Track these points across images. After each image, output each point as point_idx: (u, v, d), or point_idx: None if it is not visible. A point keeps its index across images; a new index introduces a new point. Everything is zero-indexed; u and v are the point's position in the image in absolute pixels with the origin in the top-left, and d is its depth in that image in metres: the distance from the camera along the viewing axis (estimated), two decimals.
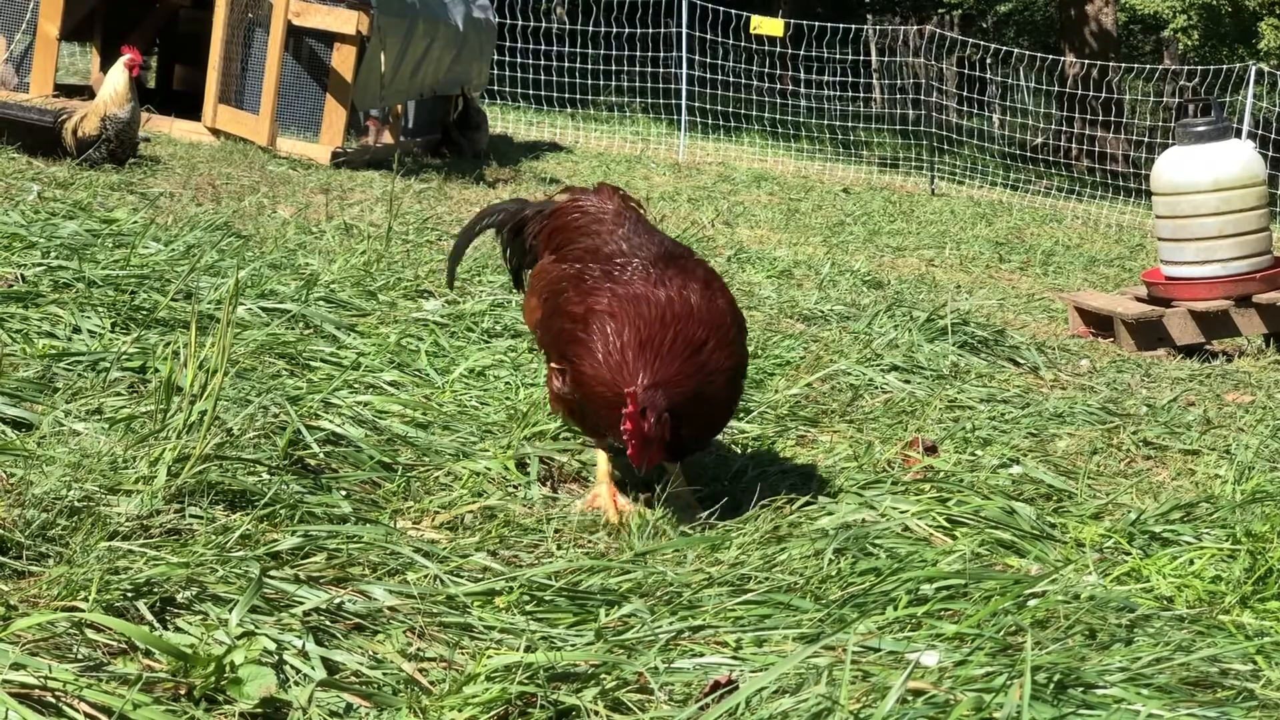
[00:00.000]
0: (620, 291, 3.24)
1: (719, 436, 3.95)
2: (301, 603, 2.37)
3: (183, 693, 2.07)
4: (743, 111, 20.99)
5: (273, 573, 2.46)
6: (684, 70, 19.59)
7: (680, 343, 3.13)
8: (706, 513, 3.32)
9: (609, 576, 2.77)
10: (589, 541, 3.12)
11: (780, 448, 4.07)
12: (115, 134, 8.56)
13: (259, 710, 2.07)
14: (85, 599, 2.23)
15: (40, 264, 4.58)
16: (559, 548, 3.03)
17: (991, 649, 2.41)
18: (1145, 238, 15.56)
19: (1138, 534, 3.41)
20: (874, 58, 28.25)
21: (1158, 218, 8.66)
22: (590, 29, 19.85)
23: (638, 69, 20.33)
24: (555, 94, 19.89)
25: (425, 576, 2.64)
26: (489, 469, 3.46)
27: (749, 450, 3.96)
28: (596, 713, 2.20)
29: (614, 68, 20.25)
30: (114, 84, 8.69)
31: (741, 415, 4.24)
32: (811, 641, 2.42)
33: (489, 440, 3.70)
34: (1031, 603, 2.66)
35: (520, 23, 19.45)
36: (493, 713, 2.15)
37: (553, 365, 3.41)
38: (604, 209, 3.51)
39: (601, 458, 3.43)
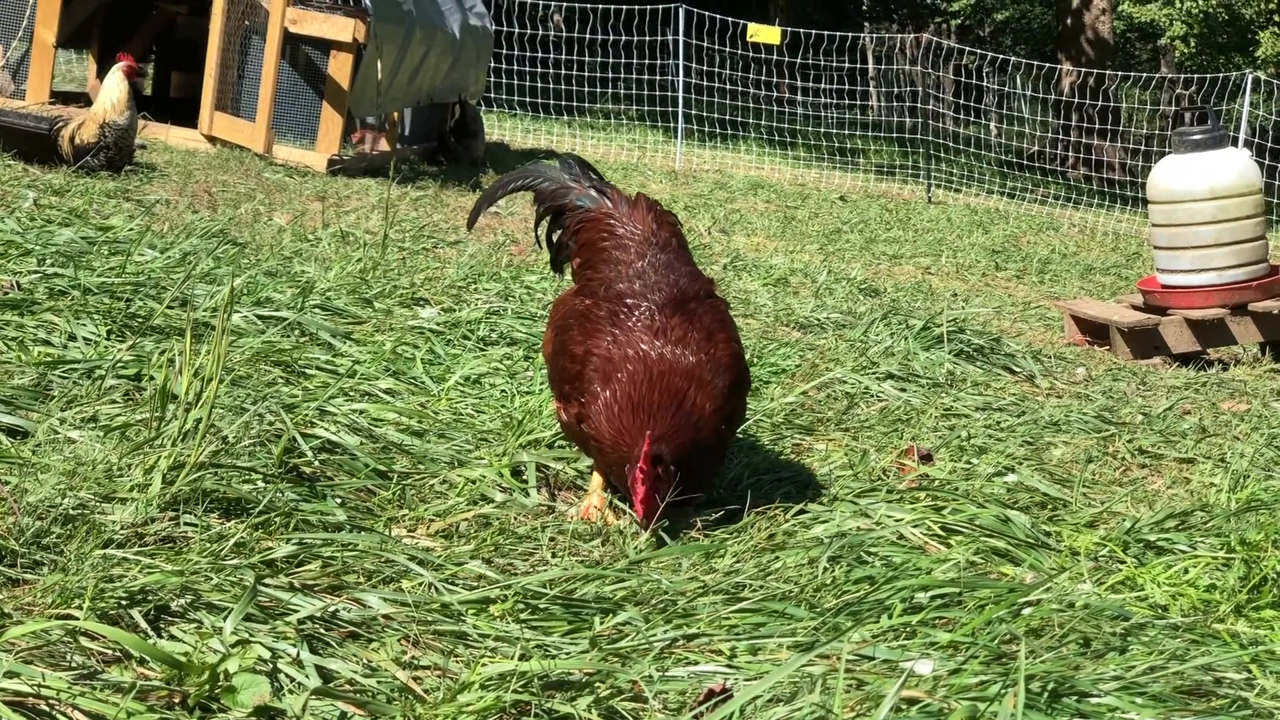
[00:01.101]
0: (620, 338, 3.31)
1: None
2: (296, 611, 2.37)
3: (177, 701, 2.07)
4: (739, 119, 21.01)
5: (267, 581, 2.45)
6: (681, 78, 19.61)
7: (666, 397, 3.23)
8: (701, 521, 3.32)
9: (604, 585, 2.77)
10: (584, 550, 3.12)
11: (776, 456, 4.07)
12: (113, 141, 8.56)
13: (253, 719, 2.07)
14: (79, 607, 2.23)
15: (36, 271, 4.57)
16: (554, 556, 3.03)
17: (986, 657, 2.41)
18: (1142, 246, 15.58)
19: (1132, 542, 3.41)
20: (871, 66, 28.27)
21: (1154, 226, 8.67)
22: (587, 37, 19.86)
23: (634, 77, 20.33)
24: (552, 101, 19.91)
25: (420, 584, 2.64)
26: (484, 477, 3.46)
27: (744, 458, 3.96)
28: None
29: (611, 75, 20.25)
30: (112, 91, 8.68)
31: None
32: (806, 650, 2.42)
33: (484, 448, 3.70)
34: (1026, 611, 2.66)
35: (517, 30, 19.47)
36: None
37: (558, 402, 3.45)
38: (633, 233, 3.51)
39: (597, 472, 3.46)
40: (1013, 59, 22.60)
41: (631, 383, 3.23)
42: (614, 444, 3.23)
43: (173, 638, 2.24)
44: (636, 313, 3.34)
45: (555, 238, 3.76)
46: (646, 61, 20.12)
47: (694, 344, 3.30)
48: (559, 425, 3.56)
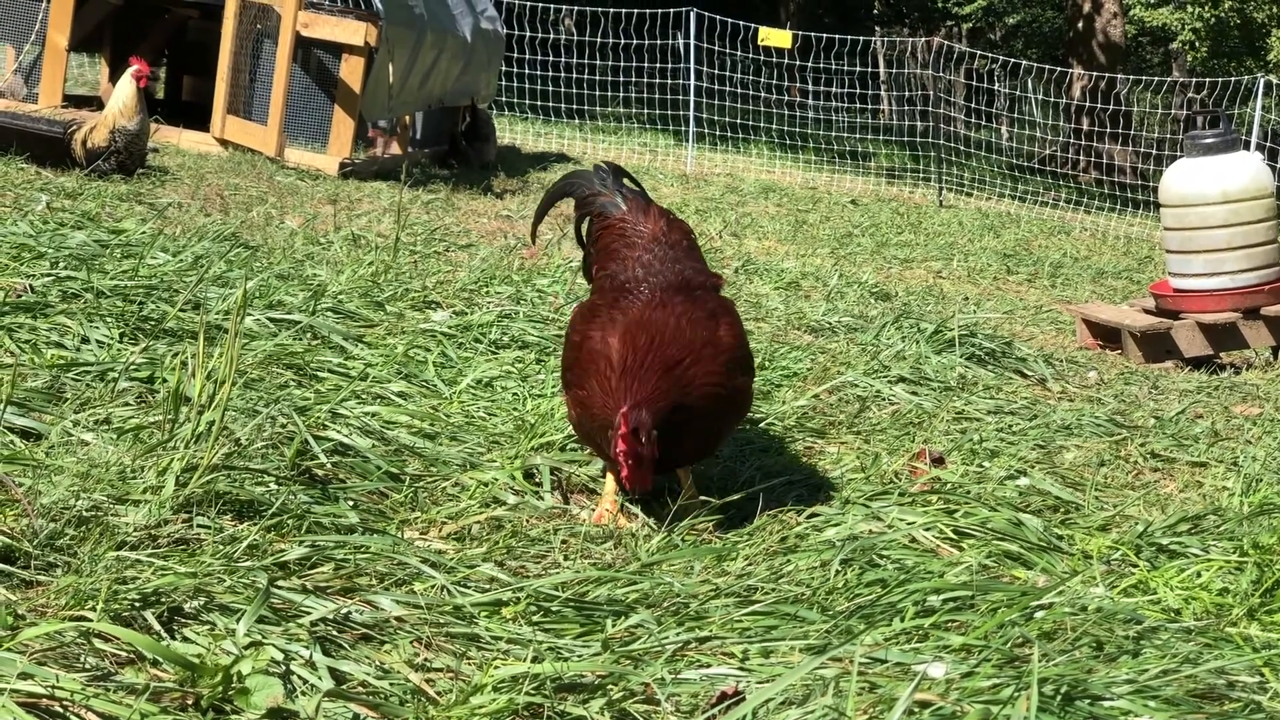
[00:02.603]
0: (617, 317, 3.34)
1: (725, 450, 3.95)
2: (309, 613, 2.37)
3: (190, 703, 2.08)
4: (750, 123, 21.01)
5: (280, 583, 2.46)
6: (692, 82, 19.61)
7: (656, 361, 3.21)
8: (714, 524, 3.31)
9: (616, 587, 2.77)
10: (596, 552, 3.12)
11: (788, 458, 4.07)
12: (124, 145, 8.57)
13: None
14: (93, 608, 2.23)
15: (49, 274, 4.58)
16: (566, 558, 3.03)
17: (998, 660, 2.41)
18: (1153, 250, 15.55)
19: (1145, 546, 3.40)
20: (882, 69, 28.26)
21: (1166, 230, 8.66)
22: (598, 40, 19.87)
23: (645, 80, 20.34)
24: (563, 105, 19.93)
25: (432, 587, 2.64)
26: (497, 479, 3.46)
27: (756, 461, 3.96)
28: None
29: (622, 79, 20.27)
30: (122, 95, 8.70)
31: (749, 426, 4.24)
32: (818, 652, 2.42)
33: (496, 451, 3.70)
34: (1038, 614, 2.65)
35: (528, 34, 19.48)
36: None
37: (564, 395, 3.47)
38: (641, 232, 3.59)
39: (610, 475, 3.46)
40: (1024, 63, 22.58)
41: (628, 347, 3.22)
42: (601, 407, 3.21)
43: (186, 639, 2.24)
44: (637, 292, 3.39)
45: (584, 242, 3.82)
46: (657, 65, 20.13)
47: (695, 321, 3.31)
48: (570, 426, 3.57)
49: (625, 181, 3.86)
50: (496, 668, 2.25)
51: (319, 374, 4.14)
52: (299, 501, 2.95)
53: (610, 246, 3.62)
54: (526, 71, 19.73)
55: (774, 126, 21.03)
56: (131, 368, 3.66)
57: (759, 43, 19.42)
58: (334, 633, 2.36)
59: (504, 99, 19.29)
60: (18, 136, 8.57)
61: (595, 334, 3.34)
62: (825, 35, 20.42)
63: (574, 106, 19.99)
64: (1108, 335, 8.37)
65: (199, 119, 11.62)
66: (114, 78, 13.31)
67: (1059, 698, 2.25)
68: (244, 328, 4.34)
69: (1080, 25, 28.92)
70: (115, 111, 8.62)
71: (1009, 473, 4.09)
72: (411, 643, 2.39)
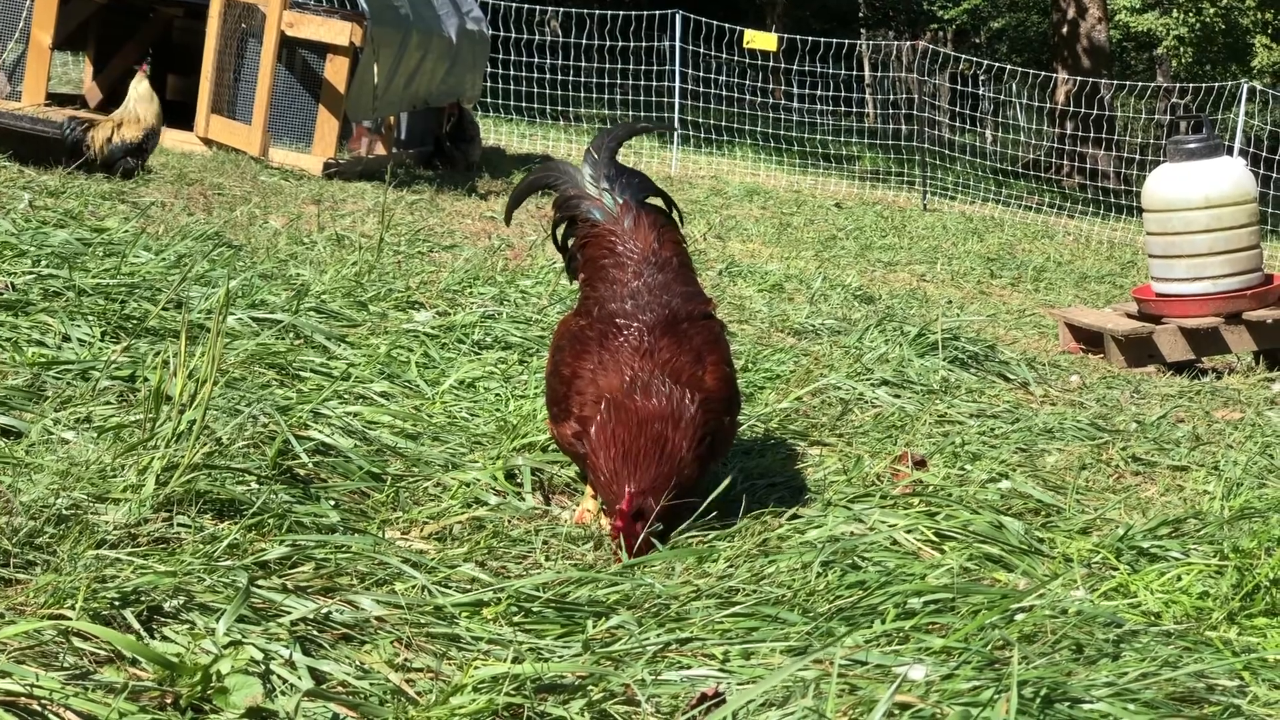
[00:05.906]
0: (607, 361, 3.31)
1: None
2: (289, 612, 2.37)
3: (169, 702, 2.07)
4: (735, 125, 21.03)
5: (260, 582, 2.45)
6: (677, 84, 19.63)
7: (649, 444, 3.21)
8: (695, 526, 3.31)
9: (597, 588, 2.77)
10: (577, 553, 3.12)
11: (769, 461, 4.07)
12: (150, 145, 8.91)
13: None
14: (72, 607, 2.22)
15: (30, 272, 4.57)
16: (547, 559, 3.03)
17: (978, 663, 2.41)
18: (1136, 254, 15.60)
19: (1126, 549, 3.41)
20: (867, 73, 28.31)
21: (1149, 234, 8.68)
22: (583, 42, 19.88)
23: (631, 82, 20.36)
24: (548, 106, 19.93)
25: (413, 587, 2.63)
26: (478, 480, 3.45)
27: (738, 463, 3.96)
28: None
29: (607, 81, 20.29)
30: (153, 99, 9.00)
31: None
32: (799, 654, 2.42)
33: (479, 451, 3.69)
34: (1019, 617, 2.66)
35: (514, 35, 19.49)
36: None
37: (550, 422, 3.46)
38: (631, 250, 3.51)
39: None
40: (1009, 67, 22.62)
41: (621, 424, 3.21)
42: (608, 485, 3.23)
43: (165, 638, 2.24)
44: (625, 334, 3.34)
45: (568, 246, 3.76)
46: (643, 67, 20.15)
47: (679, 370, 3.29)
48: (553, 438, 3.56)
49: (631, 168, 3.78)
50: (477, 668, 2.25)
51: (301, 374, 4.13)
52: (280, 501, 2.95)
53: (599, 262, 3.53)
54: (512, 73, 19.73)
55: (759, 129, 21.06)
56: (113, 366, 3.65)
57: (744, 45, 19.46)
58: (314, 632, 2.35)
59: (489, 100, 19.29)
60: (2, 135, 8.57)
61: (585, 373, 3.31)
62: (810, 38, 20.45)
63: (559, 108, 20.00)
64: (1090, 339, 8.39)
65: (183, 118, 11.60)
66: (98, 76, 13.32)
67: (1038, 700, 2.26)
68: (226, 327, 4.33)
69: (1065, 30, 28.98)
70: (153, 113, 8.90)
71: (990, 476, 4.09)
72: (392, 643, 2.38)
